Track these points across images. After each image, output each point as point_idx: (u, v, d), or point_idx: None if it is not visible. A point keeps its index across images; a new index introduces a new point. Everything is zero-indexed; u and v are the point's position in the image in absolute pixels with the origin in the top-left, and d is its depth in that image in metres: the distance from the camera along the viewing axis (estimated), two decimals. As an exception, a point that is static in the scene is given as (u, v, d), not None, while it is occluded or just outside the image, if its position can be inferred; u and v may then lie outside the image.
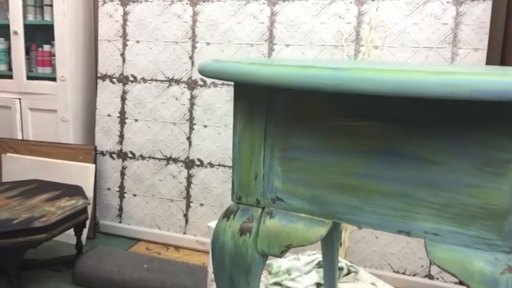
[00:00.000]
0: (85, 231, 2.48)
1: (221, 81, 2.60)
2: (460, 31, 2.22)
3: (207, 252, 2.70)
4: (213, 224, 1.25)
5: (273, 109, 0.50)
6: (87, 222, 2.46)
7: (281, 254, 0.51)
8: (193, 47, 2.63)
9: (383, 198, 0.48)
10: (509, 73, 0.32)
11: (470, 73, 0.31)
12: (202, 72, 0.50)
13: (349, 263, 1.44)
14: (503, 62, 2.30)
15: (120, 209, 2.90)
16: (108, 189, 2.90)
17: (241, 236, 0.53)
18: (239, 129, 0.53)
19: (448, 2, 2.22)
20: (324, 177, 0.50)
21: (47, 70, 2.94)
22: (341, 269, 1.37)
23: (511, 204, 0.43)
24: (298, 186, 0.52)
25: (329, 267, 1.07)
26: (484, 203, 0.44)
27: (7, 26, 2.91)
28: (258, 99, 0.49)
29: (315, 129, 0.49)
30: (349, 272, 1.39)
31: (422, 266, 2.33)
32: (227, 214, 0.55)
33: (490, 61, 2.25)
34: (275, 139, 0.51)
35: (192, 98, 2.67)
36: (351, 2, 2.35)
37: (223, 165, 2.63)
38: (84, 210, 2.36)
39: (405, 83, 0.32)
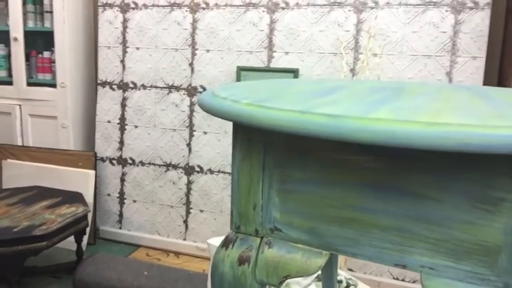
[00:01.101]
0: (85, 238, 2.48)
1: (221, 88, 2.60)
2: (458, 39, 2.23)
3: (207, 259, 2.71)
4: (212, 240, 1.26)
5: (271, 142, 0.51)
6: (87, 229, 2.47)
7: (279, 285, 0.52)
8: (193, 54, 2.64)
9: (379, 231, 0.49)
10: (505, 122, 0.33)
11: (462, 125, 0.32)
12: (200, 106, 0.51)
13: (348, 276, 1.45)
14: (501, 70, 2.31)
15: (120, 215, 2.90)
16: (108, 195, 2.91)
17: (240, 266, 0.54)
18: (238, 160, 0.54)
19: (446, 11, 2.23)
20: (320, 210, 0.51)
21: (47, 76, 2.94)
22: (340, 282, 1.38)
23: (504, 241, 0.44)
24: (296, 217, 0.52)
25: (328, 280, 1.08)
26: (478, 240, 0.44)
27: (7, 33, 2.91)
28: (256, 133, 0.50)
29: (311, 163, 0.50)
30: (348, 285, 1.40)
31: (421, 273, 2.34)
32: (226, 243, 0.56)
33: (488, 69, 2.26)
34: (273, 171, 0.52)
35: (192, 104, 2.68)
36: (349, 10, 2.36)
37: (223, 172, 2.64)
38: (85, 217, 2.37)
39: (397, 134, 0.34)
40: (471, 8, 2.20)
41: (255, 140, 0.51)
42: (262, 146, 0.52)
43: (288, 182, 0.51)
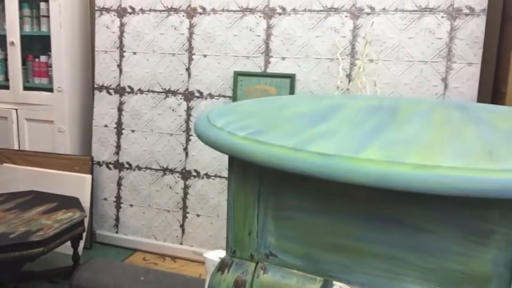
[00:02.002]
0: (82, 243, 2.49)
1: (218, 93, 2.61)
2: (454, 45, 2.25)
3: (204, 263, 2.71)
4: (209, 254, 1.26)
5: (266, 171, 0.52)
6: (84, 234, 2.47)
7: (274, 310, 0.53)
8: (190, 59, 2.64)
9: (373, 259, 0.49)
10: (494, 164, 0.34)
11: (452, 168, 0.33)
12: (197, 136, 0.52)
13: None
14: (497, 76, 2.32)
15: (117, 219, 2.91)
16: (105, 199, 2.91)
17: (236, 291, 0.54)
18: (233, 187, 0.54)
19: (442, 17, 2.24)
20: (315, 237, 0.51)
21: (44, 81, 2.94)
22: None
23: (494, 271, 0.44)
24: (291, 244, 0.53)
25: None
26: (470, 270, 0.45)
27: (4, 37, 2.91)
28: (251, 164, 0.51)
29: (305, 191, 0.50)
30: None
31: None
32: (222, 267, 0.57)
33: (484, 75, 2.28)
34: (268, 198, 0.53)
35: (189, 109, 2.68)
36: (346, 16, 2.36)
37: (220, 176, 2.65)
38: (81, 222, 2.37)
39: (388, 177, 0.34)
40: (467, 15, 2.22)
41: (250, 170, 0.52)
42: (258, 175, 0.52)
43: (283, 209, 0.52)
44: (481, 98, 2.30)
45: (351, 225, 0.49)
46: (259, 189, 0.52)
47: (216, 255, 1.21)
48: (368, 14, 2.33)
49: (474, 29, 2.22)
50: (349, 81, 2.38)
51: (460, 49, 2.24)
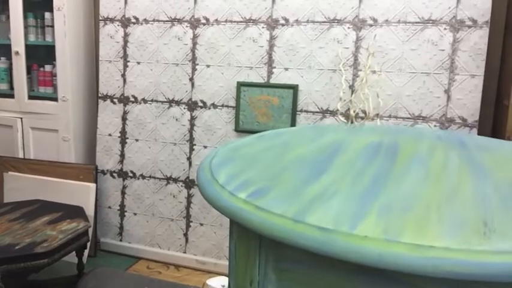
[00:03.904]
0: (86, 252, 2.50)
1: (221, 103, 2.63)
2: (457, 57, 2.25)
3: (207, 272, 2.73)
4: (212, 282, 1.27)
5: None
6: (88, 244, 2.49)
7: None
8: (194, 69, 2.66)
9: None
10: (491, 244, 0.35)
11: (446, 250, 0.34)
12: (199, 187, 0.53)
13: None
14: (499, 88, 2.32)
15: (121, 228, 2.93)
16: (109, 207, 2.93)
17: (238, 338, 0.56)
18: (235, 237, 0.56)
19: (445, 29, 2.24)
20: (314, 289, 0.53)
21: (49, 90, 2.96)
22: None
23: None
24: (291, 294, 0.54)
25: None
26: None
27: (9, 46, 2.93)
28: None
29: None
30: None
31: None
32: (224, 314, 0.58)
33: (486, 87, 2.28)
34: (269, 250, 0.54)
35: (192, 119, 2.69)
36: (349, 28, 2.37)
37: (223, 185, 2.66)
38: (85, 233, 2.39)
39: (384, 258, 0.35)
40: (469, 27, 2.22)
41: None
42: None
43: (283, 261, 0.53)
44: (483, 110, 2.30)
45: (348, 280, 0.50)
46: (261, 240, 0.54)
47: (219, 282, 1.23)
48: (371, 25, 2.34)
49: (477, 40, 2.22)
50: (352, 92, 2.39)
51: (463, 61, 2.24)
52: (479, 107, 2.25)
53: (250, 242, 0.54)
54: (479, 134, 2.28)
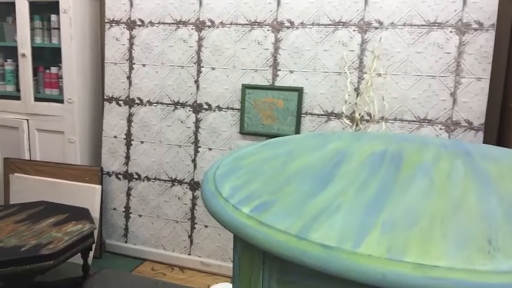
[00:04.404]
0: (91, 253, 2.52)
1: (226, 106, 2.63)
2: (463, 60, 2.24)
3: (212, 274, 2.74)
4: (216, 287, 1.28)
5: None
6: (94, 246, 2.50)
7: None
8: (199, 72, 2.66)
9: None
10: (494, 265, 0.35)
11: (450, 270, 0.34)
12: (203, 200, 0.53)
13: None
14: (505, 91, 2.31)
15: (126, 229, 2.94)
16: (114, 209, 2.95)
17: None
18: (239, 249, 0.56)
19: (451, 32, 2.23)
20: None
21: (55, 92, 2.98)
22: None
23: None
24: (295, 306, 0.54)
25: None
26: None
27: (15, 48, 2.95)
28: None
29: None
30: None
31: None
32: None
33: (492, 90, 2.27)
34: (273, 263, 0.54)
35: (197, 121, 2.70)
36: (354, 30, 2.37)
37: (228, 188, 2.66)
38: (91, 234, 2.40)
39: (387, 277, 0.35)
40: (476, 29, 2.21)
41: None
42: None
43: (287, 274, 0.53)
44: (489, 113, 2.29)
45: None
46: (265, 253, 0.54)
47: (223, 288, 1.23)
48: (376, 28, 2.33)
49: (483, 43, 2.21)
50: (357, 95, 2.38)
51: (469, 64, 2.23)
52: (485, 110, 2.24)
53: (254, 256, 0.54)
54: (485, 137, 2.27)
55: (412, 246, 0.38)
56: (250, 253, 0.54)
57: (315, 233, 0.41)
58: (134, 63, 2.79)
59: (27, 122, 3.01)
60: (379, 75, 2.35)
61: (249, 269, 0.55)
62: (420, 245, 0.38)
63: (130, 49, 2.79)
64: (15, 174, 2.95)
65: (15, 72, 3.06)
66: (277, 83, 2.52)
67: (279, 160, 0.67)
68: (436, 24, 2.25)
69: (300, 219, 0.44)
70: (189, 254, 2.81)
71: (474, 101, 2.25)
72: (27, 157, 3.03)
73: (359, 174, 0.61)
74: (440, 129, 2.29)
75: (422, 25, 2.27)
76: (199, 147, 2.71)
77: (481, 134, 2.25)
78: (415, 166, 0.66)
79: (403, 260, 0.36)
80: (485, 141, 2.29)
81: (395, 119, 2.35)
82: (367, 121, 2.36)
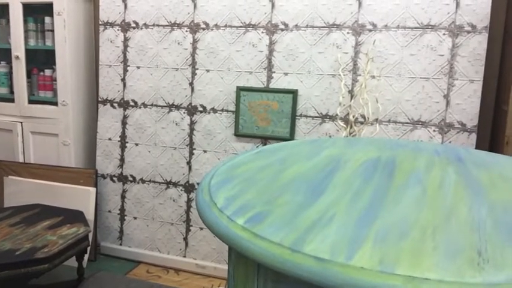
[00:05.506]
0: (86, 256, 2.51)
1: (220, 108, 2.63)
2: (456, 62, 2.26)
3: (207, 276, 2.74)
4: None
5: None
6: (88, 248, 2.50)
7: None
8: (193, 74, 2.66)
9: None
10: (483, 277, 0.36)
11: (440, 282, 0.35)
12: (198, 211, 0.54)
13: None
14: (498, 93, 2.33)
15: (121, 232, 2.93)
16: (109, 211, 2.94)
17: None
18: (234, 258, 0.56)
19: (444, 34, 2.25)
20: (313, 311, 0.53)
21: (49, 94, 2.97)
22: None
23: None
24: (289, 314, 0.55)
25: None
26: None
27: (9, 50, 2.94)
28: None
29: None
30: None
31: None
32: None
33: (485, 92, 2.29)
34: (267, 271, 0.54)
35: (192, 123, 2.70)
36: (348, 33, 2.38)
37: (223, 190, 2.66)
38: (86, 237, 2.40)
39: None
40: (468, 32, 2.23)
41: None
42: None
43: (281, 282, 0.54)
44: (482, 115, 2.31)
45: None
46: (259, 264, 0.54)
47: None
48: (370, 30, 2.34)
49: (476, 46, 2.22)
50: (351, 97, 2.39)
51: (462, 66, 2.25)
52: (478, 112, 2.25)
53: (248, 266, 0.54)
54: (478, 139, 2.29)
55: (403, 258, 0.39)
56: (244, 263, 0.55)
57: (309, 246, 0.42)
58: (129, 66, 2.79)
59: (21, 125, 3.00)
60: (373, 77, 2.36)
61: (244, 279, 0.56)
62: (411, 257, 0.39)
63: (124, 51, 2.79)
64: (9, 177, 2.94)
65: (9, 74, 3.05)
66: (272, 85, 2.53)
67: (273, 169, 0.67)
68: (430, 27, 2.26)
69: (293, 231, 0.44)
70: (184, 256, 2.81)
71: (467, 103, 2.26)
72: (21, 160, 3.02)
73: (352, 183, 0.61)
74: (434, 131, 2.31)
75: (415, 27, 2.28)
76: (194, 149, 2.72)
77: (474, 136, 2.26)
78: (407, 174, 0.67)
79: (395, 273, 0.37)
80: (478, 143, 2.30)
81: (389, 121, 2.36)
82: (361, 123, 2.38)
